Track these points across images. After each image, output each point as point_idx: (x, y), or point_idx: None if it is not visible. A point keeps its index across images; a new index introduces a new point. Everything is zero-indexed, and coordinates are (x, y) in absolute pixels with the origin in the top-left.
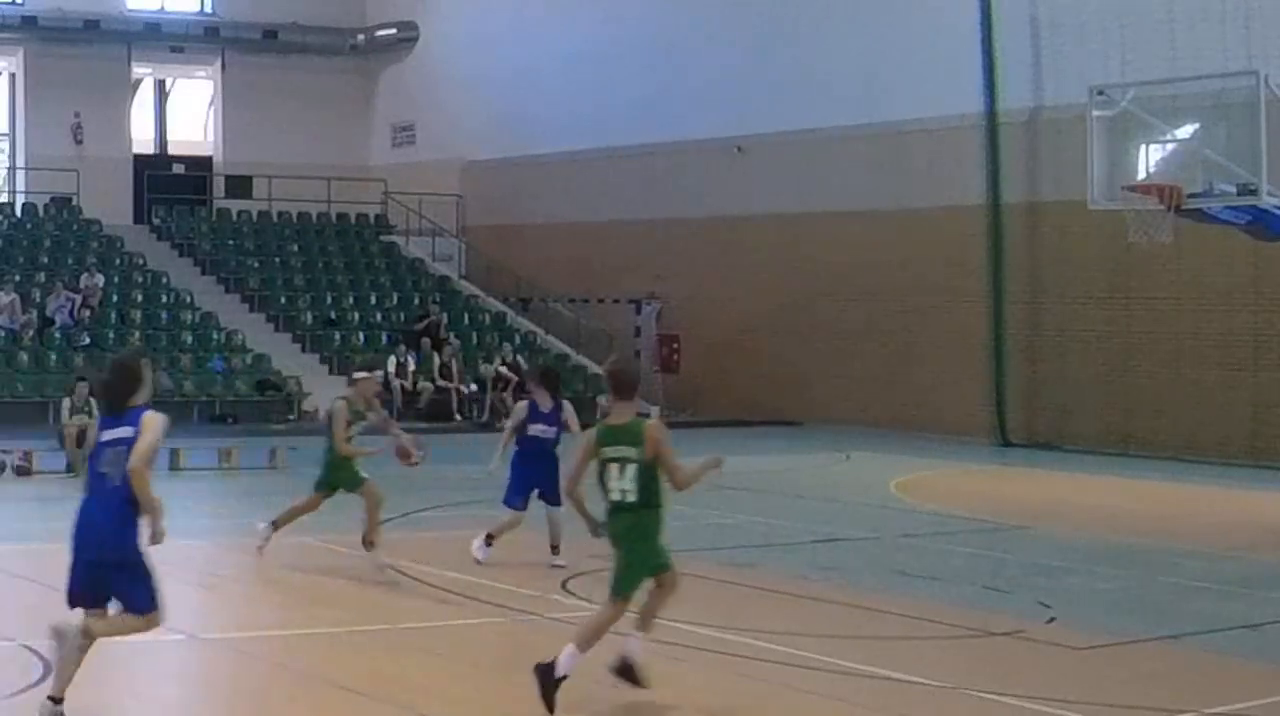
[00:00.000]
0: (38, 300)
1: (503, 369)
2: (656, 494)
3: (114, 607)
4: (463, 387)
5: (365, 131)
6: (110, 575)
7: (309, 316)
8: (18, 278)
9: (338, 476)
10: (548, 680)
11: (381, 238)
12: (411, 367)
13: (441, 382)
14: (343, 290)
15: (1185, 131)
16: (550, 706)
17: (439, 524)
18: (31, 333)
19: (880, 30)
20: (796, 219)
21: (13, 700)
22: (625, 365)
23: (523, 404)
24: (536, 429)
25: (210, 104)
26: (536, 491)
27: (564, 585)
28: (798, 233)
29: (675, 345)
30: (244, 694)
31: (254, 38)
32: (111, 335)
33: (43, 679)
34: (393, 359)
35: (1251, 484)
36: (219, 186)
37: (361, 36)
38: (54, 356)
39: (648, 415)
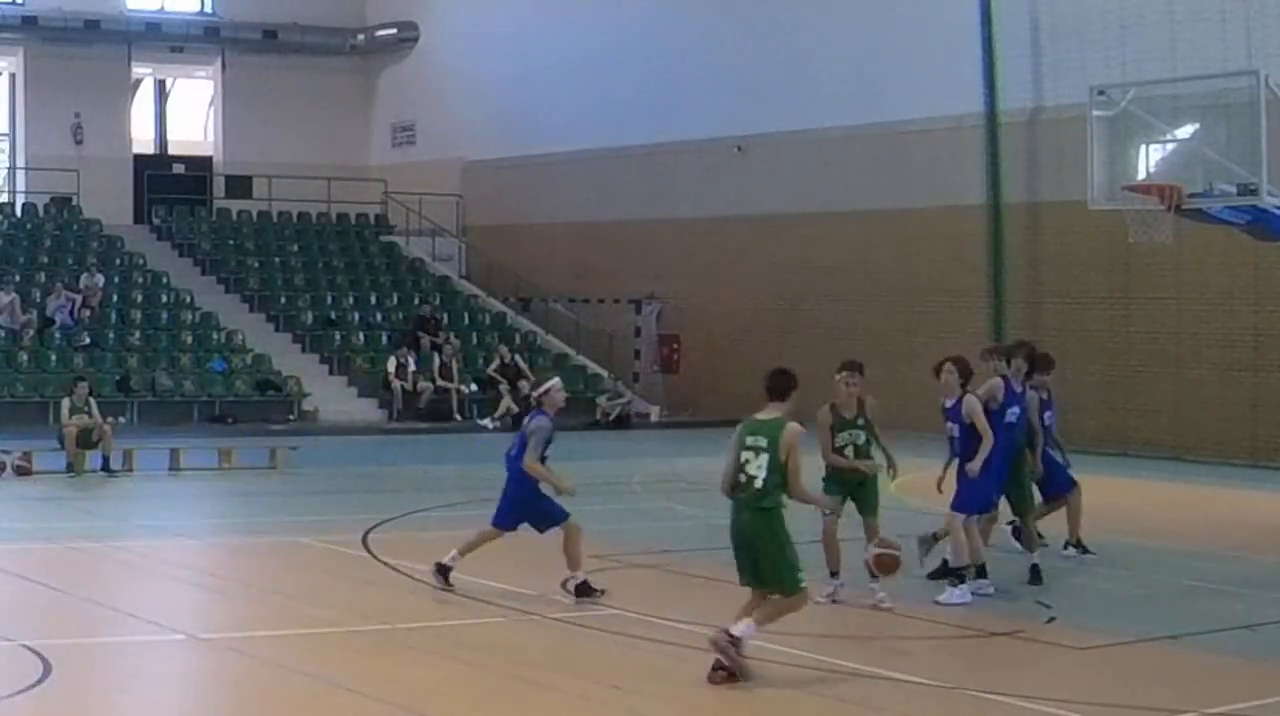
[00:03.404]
0: (38, 300)
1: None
2: None
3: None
4: (462, 388)
5: (365, 131)
6: None
7: (309, 316)
8: (18, 278)
9: None
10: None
11: (381, 238)
12: (411, 368)
13: (441, 383)
14: (343, 290)
15: (1185, 131)
16: None
17: (439, 524)
18: (31, 333)
19: (880, 30)
20: (796, 219)
21: (13, 700)
22: None
23: None
24: None
25: (210, 104)
26: None
27: (564, 585)
28: (797, 233)
29: (675, 345)
30: (244, 694)
31: (254, 38)
32: (111, 335)
33: (43, 678)
34: (393, 359)
35: (1251, 484)
36: (219, 186)
37: (361, 36)
38: (54, 356)
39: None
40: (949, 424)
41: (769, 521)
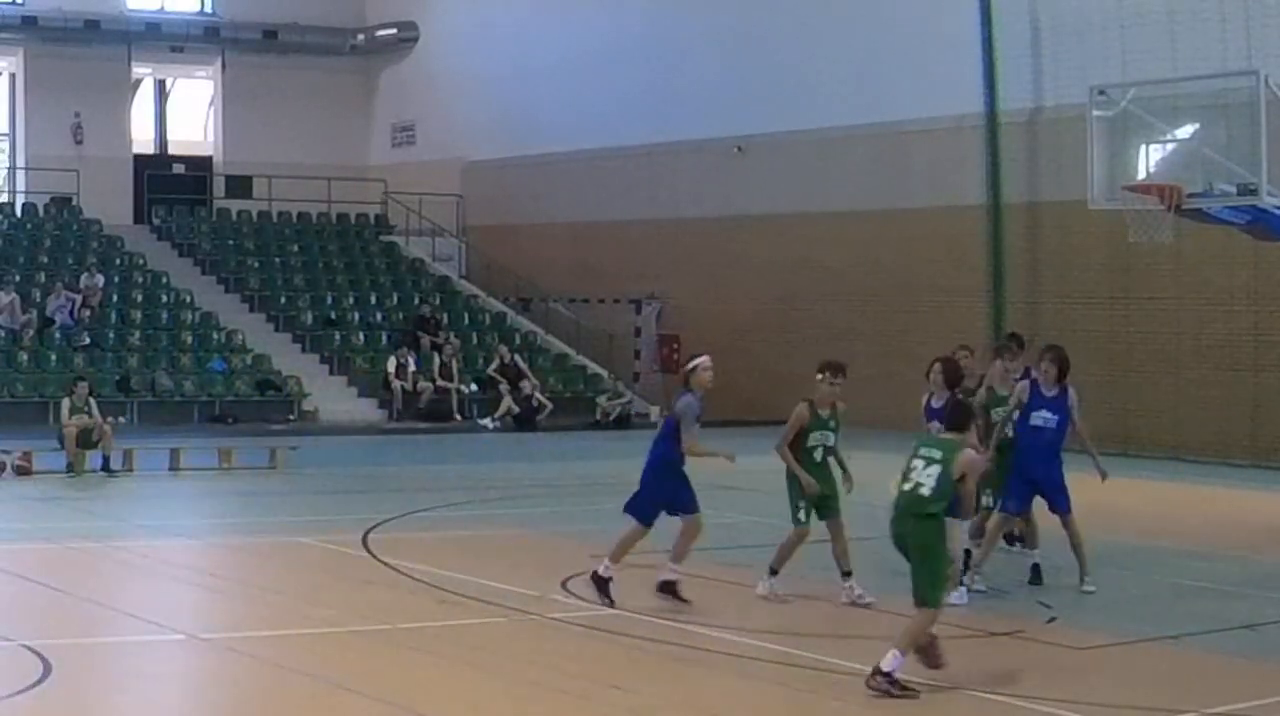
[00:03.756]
0: (38, 300)
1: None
2: None
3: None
4: (462, 387)
5: (365, 131)
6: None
7: (309, 316)
8: (18, 278)
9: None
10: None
11: (381, 238)
12: (411, 368)
13: (441, 383)
14: (343, 290)
15: (1185, 131)
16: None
17: (439, 524)
18: (31, 333)
19: (880, 30)
20: (796, 219)
21: (13, 700)
22: None
23: None
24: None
25: (210, 104)
26: None
27: (564, 585)
28: (797, 233)
29: (675, 345)
30: (244, 694)
31: (254, 38)
32: (111, 335)
33: (43, 678)
34: (393, 359)
35: (1251, 484)
36: (219, 186)
37: (361, 36)
38: (54, 356)
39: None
40: (934, 424)
41: (925, 528)
